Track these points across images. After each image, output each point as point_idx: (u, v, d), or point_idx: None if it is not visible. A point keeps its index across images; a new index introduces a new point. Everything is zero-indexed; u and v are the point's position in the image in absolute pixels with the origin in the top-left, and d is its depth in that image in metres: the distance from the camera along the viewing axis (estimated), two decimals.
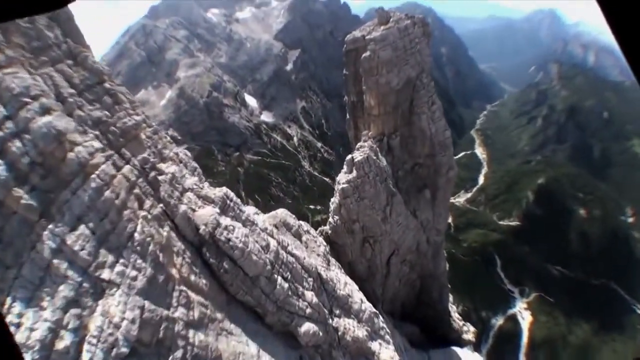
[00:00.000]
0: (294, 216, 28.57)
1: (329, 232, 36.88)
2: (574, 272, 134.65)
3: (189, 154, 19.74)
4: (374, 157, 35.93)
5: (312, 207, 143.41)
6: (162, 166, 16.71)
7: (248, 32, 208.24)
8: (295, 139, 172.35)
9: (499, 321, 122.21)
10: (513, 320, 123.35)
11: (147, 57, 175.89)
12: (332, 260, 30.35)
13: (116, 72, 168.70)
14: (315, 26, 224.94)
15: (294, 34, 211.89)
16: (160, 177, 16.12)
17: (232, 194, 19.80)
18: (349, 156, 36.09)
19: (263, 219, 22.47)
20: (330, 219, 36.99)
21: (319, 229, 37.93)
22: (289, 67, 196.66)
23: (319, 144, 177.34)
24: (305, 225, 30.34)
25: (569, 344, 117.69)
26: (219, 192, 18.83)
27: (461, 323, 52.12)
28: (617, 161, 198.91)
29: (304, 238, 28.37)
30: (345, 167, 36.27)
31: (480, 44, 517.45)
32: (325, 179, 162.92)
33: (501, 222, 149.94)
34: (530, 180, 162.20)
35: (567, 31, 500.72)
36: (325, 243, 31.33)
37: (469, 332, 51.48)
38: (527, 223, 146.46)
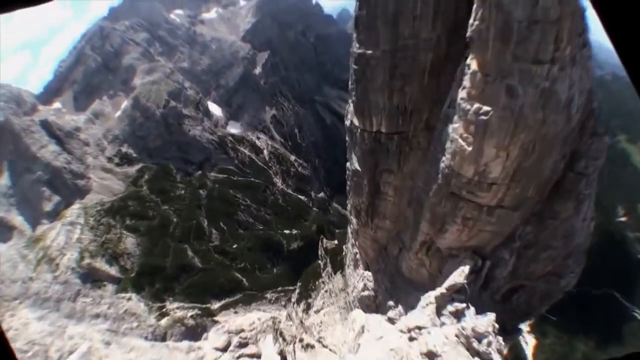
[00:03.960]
0: None
1: None
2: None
3: None
4: None
5: (286, 232, 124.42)
6: None
7: (213, 33, 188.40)
8: (265, 152, 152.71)
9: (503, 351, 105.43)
10: (516, 347, 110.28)
11: (103, 63, 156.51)
12: None
13: (71, 80, 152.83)
14: (286, 26, 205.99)
15: (263, 34, 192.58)
16: None
17: None
18: None
19: None
20: None
21: None
22: (258, 70, 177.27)
23: (292, 157, 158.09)
24: None
25: None
26: None
27: None
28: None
29: None
30: None
31: None
32: (300, 197, 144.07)
33: None
34: None
35: None
36: None
37: None
38: None
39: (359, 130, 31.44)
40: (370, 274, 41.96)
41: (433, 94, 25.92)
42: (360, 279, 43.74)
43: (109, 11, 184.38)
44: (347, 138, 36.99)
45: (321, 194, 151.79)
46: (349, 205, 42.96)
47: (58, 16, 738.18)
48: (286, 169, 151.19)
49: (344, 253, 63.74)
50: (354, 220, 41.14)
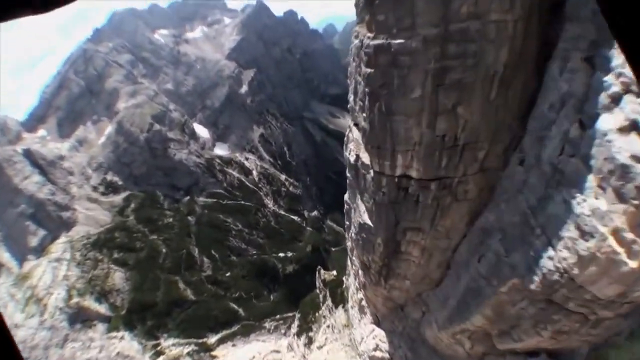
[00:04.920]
0: None
1: None
2: None
3: None
4: None
5: (281, 255, 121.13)
6: None
7: (198, 52, 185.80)
8: (254, 172, 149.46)
9: None
10: None
11: (87, 87, 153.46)
12: None
13: (55, 106, 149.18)
14: (271, 43, 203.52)
15: (248, 52, 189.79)
16: None
17: None
18: None
19: None
20: None
21: None
22: (244, 89, 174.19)
23: (283, 176, 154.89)
24: None
25: None
26: None
27: None
28: None
29: None
30: None
31: None
32: (293, 217, 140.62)
33: None
34: None
35: None
36: None
37: None
38: None
39: (371, 172, 21.61)
40: (382, 333, 33.89)
41: (498, 116, 16.40)
42: (370, 335, 36.93)
43: (93, 32, 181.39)
44: (348, 174, 27.59)
45: (314, 213, 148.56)
46: (352, 255, 35.93)
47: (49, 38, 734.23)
48: (277, 189, 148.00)
49: (344, 286, 60.57)
50: (359, 272, 32.63)
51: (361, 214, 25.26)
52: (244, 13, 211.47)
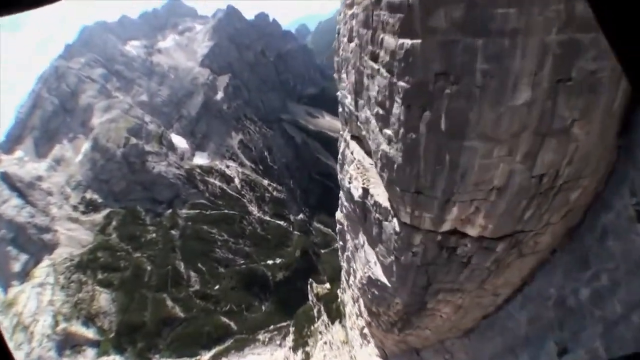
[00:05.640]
0: None
1: None
2: None
3: None
4: None
5: (269, 262, 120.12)
6: None
7: (171, 62, 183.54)
8: (236, 180, 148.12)
9: None
10: None
11: (60, 105, 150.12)
12: None
13: (30, 126, 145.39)
14: (244, 47, 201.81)
15: (222, 58, 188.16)
16: None
17: None
18: None
19: None
20: None
21: None
22: (219, 95, 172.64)
23: (265, 182, 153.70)
24: None
25: None
26: None
27: None
28: None
29: None
30: None
31: None
32: (279, 222, 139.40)
33: None
34: None
35: None
36: None
37: None
38: None
39: (393, 222, 13.34)
40: None
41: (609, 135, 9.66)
42: None
43: (65, 48, 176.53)
44: (345, 201, 20.85)
45: (300, 216, 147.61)
46: (348, 278, 28.15)
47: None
48: (260, 195, 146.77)
49: (339, 300, 58.97)
50: (362, 309, 25.28)
51: (371, 265, 17.65)
52: (215, 18, 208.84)
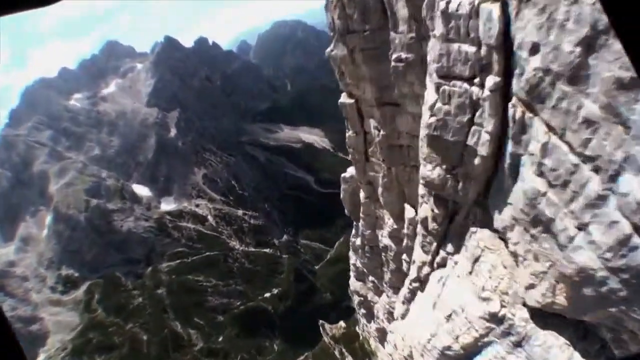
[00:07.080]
0: None
1: None
2: None
3: None
4: None
5: (266, 295, 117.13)
6: None
7: (118, 107, 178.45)
8: (210, 217, 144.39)
9: None
10: None
11: (15, 178, 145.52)
12: None
13: None
14: (188, 76, 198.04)
15: (167, 92, 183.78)
16: None
17: None
18: None
19: None
20: None
21: None
22: (173, 132, 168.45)
23: (240, 212, 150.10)
24: None
25: None
26: None
27: None
28: None
29: None
30: None
31: None
32: (265, 250, 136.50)
33: None
34: None
35: None
36: None
37: None
38: None
39: None
40: None
41: None
42: None
43: (10, 115, 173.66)
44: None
45: (284, 237, 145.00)
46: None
47: None
48: (238, 227, 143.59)
49: (361, 338, 55.59)
50: None
51: None
52: (154, 53, 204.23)
